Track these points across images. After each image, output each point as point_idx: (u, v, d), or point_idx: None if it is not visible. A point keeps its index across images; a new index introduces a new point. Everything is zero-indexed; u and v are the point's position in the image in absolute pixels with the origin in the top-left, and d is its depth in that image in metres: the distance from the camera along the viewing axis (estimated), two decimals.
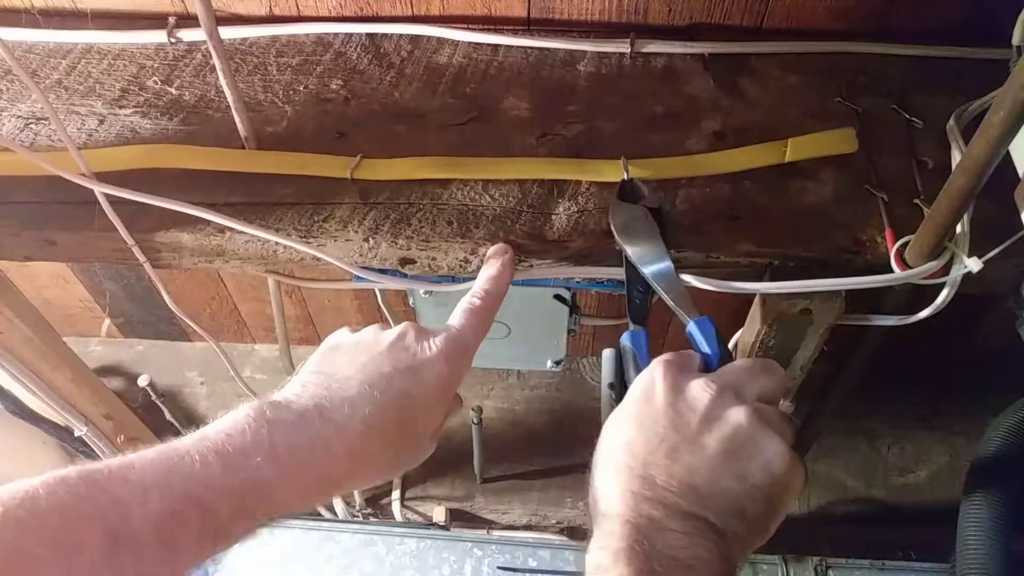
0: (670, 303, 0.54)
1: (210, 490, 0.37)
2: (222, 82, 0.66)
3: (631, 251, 0.58)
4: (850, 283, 0.61)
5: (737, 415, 0.41)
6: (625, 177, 0.63)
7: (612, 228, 0.61)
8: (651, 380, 0.44)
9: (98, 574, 0.33)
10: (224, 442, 0.39)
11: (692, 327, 0.49)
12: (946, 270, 0.60)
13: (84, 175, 0.63)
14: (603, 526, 0.39)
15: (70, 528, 0.33)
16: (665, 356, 0.46)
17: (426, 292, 0.87)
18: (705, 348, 0.48)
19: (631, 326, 0.53)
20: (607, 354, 1.36)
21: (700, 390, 0.42)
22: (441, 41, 0.82)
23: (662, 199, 0.64)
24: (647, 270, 0.56)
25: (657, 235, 0.59)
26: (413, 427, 0.46)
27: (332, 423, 0.42)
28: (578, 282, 0.72)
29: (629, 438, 0.42)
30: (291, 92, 0.77)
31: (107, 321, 1.37)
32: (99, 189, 0.63)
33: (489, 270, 0.58)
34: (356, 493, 1.21)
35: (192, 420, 1.33)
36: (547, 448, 1.27)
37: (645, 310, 0.56)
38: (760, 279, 0.67)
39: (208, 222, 0.66)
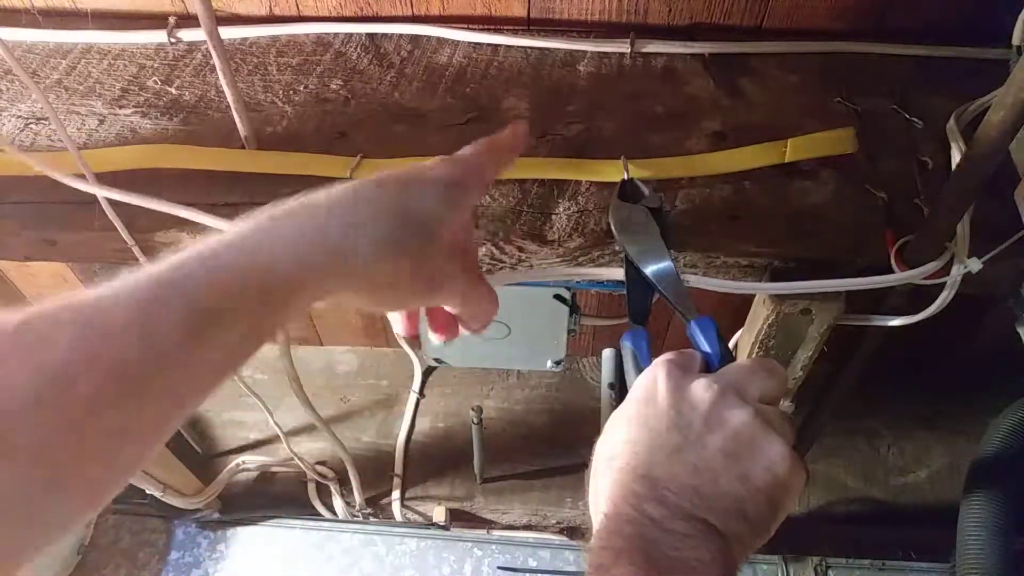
0: (671, 303, 0.53)
1: (182, 271, 0.34)
2: (222, 82, 0.66)
3: (631, 251, 0.58)
4: (850, 284, 0.61)
5: (739, 416, 0.41)
6: (625, 177, 0.63)
7: (612, 227, 0.61)
8: (653, 380, 0.43)
9: (75, 370, 0.30)
10: (196, 245, 0.36)
11: (693, 327, 0.49)
12: (946, 270, 0.60)
13: (84, 176, 0.63)
14: (605, 525, 0.39)
15: (38, 325, 0.30)
16: (667, 356, 0.45)
17: None
18: (706, 347, 0.47)
19: (631, 326, 0.52)
20: (607, 354, 1.36)
21: (702, 390, 0.42)
22: (441, 41, 0.82)
23: (662, 199, 0.64)
24: (648, 270, 0.56)
25: (657, 235, 0.58)
26: (410, 210, 0.41)
27: (317, 201, 0.40)
28: (578, 282, 0.73)
29: (631, 438, 0.42)
30: (291, 92, 0.77)
31: None
32: (101, 194, 0.63)
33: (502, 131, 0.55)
34: (356, 493, 1.21)
35: (192, 420, 1.33)
36: (547, 448, 1.28)
37: (645, 310, 0.55)
38: (760, 279, 0.67)
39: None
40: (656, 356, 0.48)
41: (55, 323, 0.30)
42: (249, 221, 0.37)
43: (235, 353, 0.35)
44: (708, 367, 0.46)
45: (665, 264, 0.56)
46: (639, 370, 0.47)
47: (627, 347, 0.50)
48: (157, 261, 0.34)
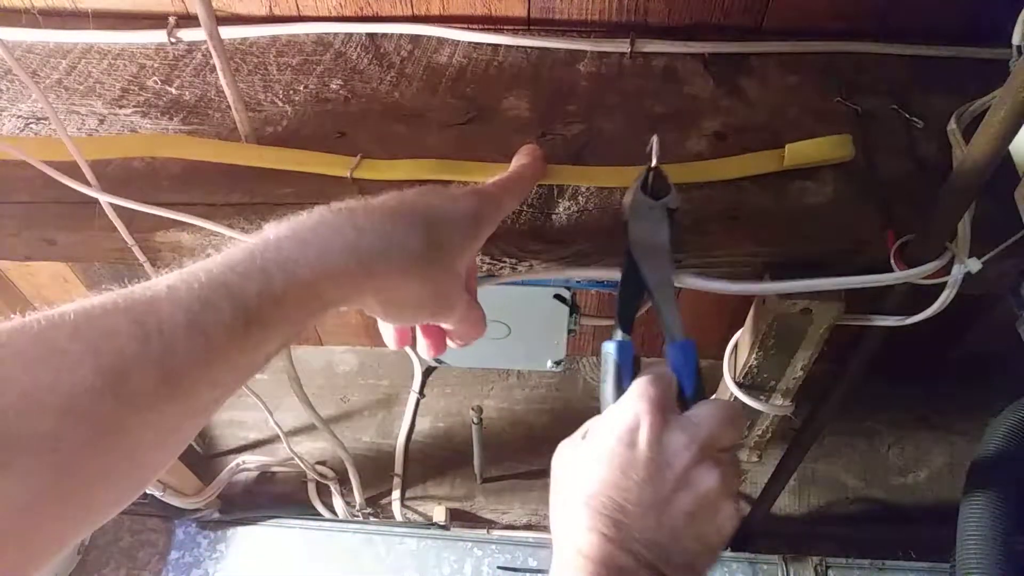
0: (660, 316, 0.51)
1: (235, 272, 0.37)
2: (222, 82, 0.66)
3: (637, 249, 0.54)
4: (850, 283, 0.61)
5: (709, 481, 0.43)
6: (653, 163, 0.55)
7: (625, 215, 0.56)
8: (636, 422, 0.44)
9: (128, 365, 0.33)
10: (242, 246, 0.39)
11: (675, 349, 0.48)
12: (946, 270, 0.60)
13: (84, 176, 0.63)
14: (569, 558, 0.42)
15: (96, 320, 0.33)
16: (649, 387, 0.45)
17: None
18: (683, 373, 0.47)
19: (617, 333, 0.50)
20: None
21: (682, 448, 0.43)
22: (441, 41, 0.82)
23: (681, 202, 0.60)
24: (647, 274, 0.53)
25: (667, 240, 0.54)
26: (439, 237, 0.45)
27: (354, 211, 0.43)
28: (578, 282, 0.72)
29: (610, 480, 0.43)
30: (291, 92, 0.77)
31: None
32: (102, 198, 0.63)
33: (520, 158, 0.60)
34: (356, 493, 1.21)
35: None
36: (547, 448, 1.26)
37: (633, 315, 0.52)
38: (760, 279, 0.67)
39: (208, 221, 0.66)
40: (638, 367, 0.50)
41: (112, 315, 0.33)
42: (288, 228, 0.40)
43: (267, 354, 0.39)
44: (681, 392, 0.48)
45: (666, 273, 0.53)
46: (619, 389, 0.47)
47: (611, 357, 0.48)
48: (211, 257, 0.37)
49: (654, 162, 0.55)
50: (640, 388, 0.45)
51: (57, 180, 0.63)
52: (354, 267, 0.40)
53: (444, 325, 0.51)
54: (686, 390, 0.46)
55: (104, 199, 0.63)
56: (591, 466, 0.44)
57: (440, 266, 0.44)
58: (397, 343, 0.53)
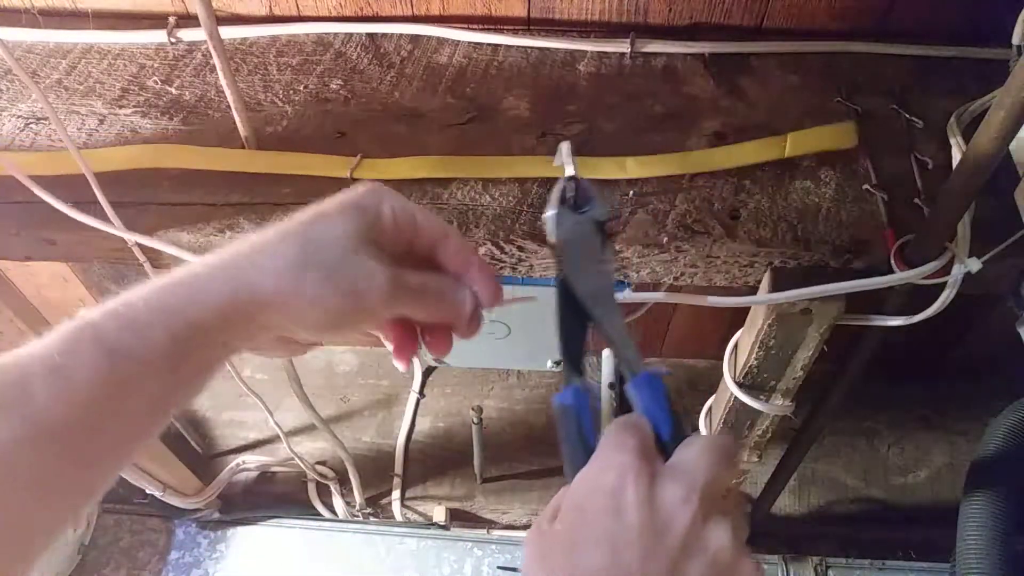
0: (614, 348, 0.42)
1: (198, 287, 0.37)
2: (222, 82, 0.66)
3: (572, 275, 0.44)
4: (850, 286, 0.61)
5: (720, 538, 0.35)
6: (569, 173, 0.46)
7: (550, 240, 0.46)
8: (617, 482, 0.35)
9: (95, 392, 0.33)
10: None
11: (639, 384, 0.39)
12: (946, 270, 0.60)
13: (84, 176, 0.63)
14: None
15: (60, 343, 0.34)
16: (624, 436, 0.37)
17: None
18: (653, 412, 0.39)
19: (569, 380, 0.41)
20: (607, 354, 1.35)
21: (678, 503, 0.35)
22: (441, 41, 0.82)
23: (614, 208, 0.53)
24: (590, 301, 0.43)
25: (607, 259, 0.45)
26: (314, 234, 0.40)
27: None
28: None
29: (593, 565, 0.34)
30: (291, 92, 0.77)
31: None
32: (128, 237, 0.63)
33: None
34: (356, 493, 1.21)
35: (192, 420, 1.33)
36: (547, 448, 1.28)
37: (582, 354, 0.43)
38: (760, 279, 0.67)
39: (208, 221, 0.66)
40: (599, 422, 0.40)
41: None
42: (194, 266, 0.38)
43: (158, 394, 0.37)
44: (657, 435, 0.39)
45: (608, 297, 0.44)
46: (586, 449, 0.37)
47: (568, 411, 0.39)
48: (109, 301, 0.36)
49: (570, 170, 0.47)
50: (613, 439, 0.37)
51: (57, 181, 0.63)
52: (234, 294, 0.37)
53: (418, 317, 0.44)
54: (662, 432, 0.38)
55: (130, 238, 0.63)
56: (572, 554, 0.35)
57: (325, 255, 0.39)
58: (395, 351, 0.47)
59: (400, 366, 0.47)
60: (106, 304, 0.36)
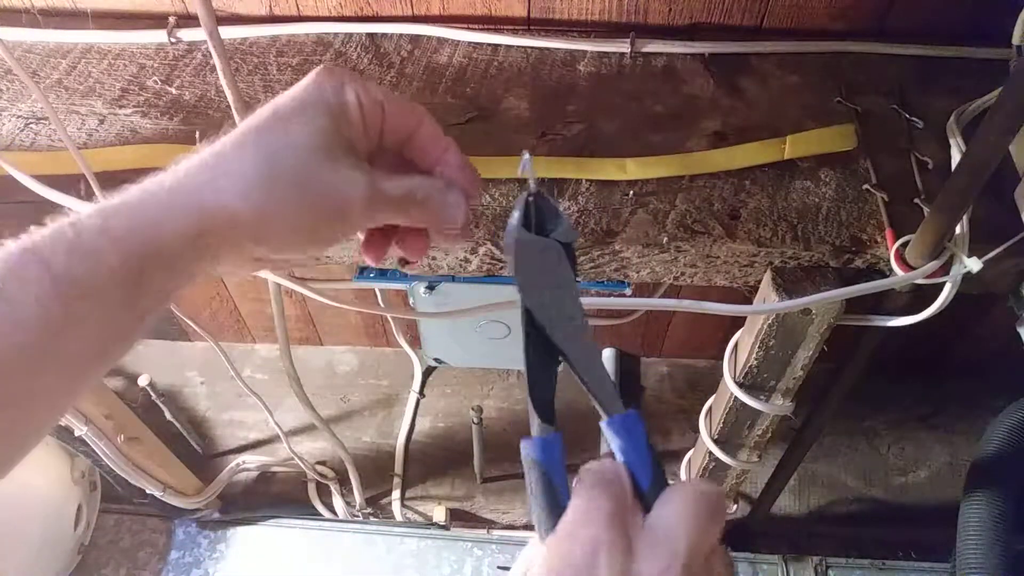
0: (586, 387, 0.37)
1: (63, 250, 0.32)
2: (222, 82, 0.66)
3: (537, 306, 0.38)
4: (850, 292, 0.61)
5: None
6: (532, 189, 0.41)
7: (512, 267, 0.40)
8: (590, 557, 0.30)
9: (39, 323, 0.30)
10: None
11: (614, 427, 0.35)
12: (946, 270, 0.60)
13: (84, 176, 0.63)
14: None
15: (2, 268, 0.31)
16: (599, 499, 0.32)
17: (426, 291, 0.87)
18: (632, 458, 0.35)
19: (536, 424, 0.36)
20: (607, 353, 1.35)
21: None
22: (441, 41, 0.82)
23: (576, 231, 0.46)
24: (558, 334, 0.38)
25: (572, 284, 0.40)
26: (278, 140, 0.36)
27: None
28: (578, 282, 0.72)
29: None
30: None
31: None
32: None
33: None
34: (356, 493, 1.21)
35: (192, 420, 1.33)
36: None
37: (553, 397, 0.38)
38: (760, 278, 0.67)
39: None
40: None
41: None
42: (147, 184, 0.35)
43: (110, 328, 0.33)
44: (635, 484, 0.34)
45: (578, 327, 0.39)
46: (555, 508, 0.33)
47: (536, 465, 0.34)
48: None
49: (532, 186, 0.41)
50: (586, 504, 0.32)
51: (57, 181, 0.63)
52: (192, 214, 0.33)
53: (393, 222, 0.40)
54: (641, 481, 0.34)
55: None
56: None
57: (297, 168, 0.35)
58: (369, 253, 0.43)
59: (370, 261, 0.44)
60: (56, 225, 0.32)
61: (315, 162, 0.35)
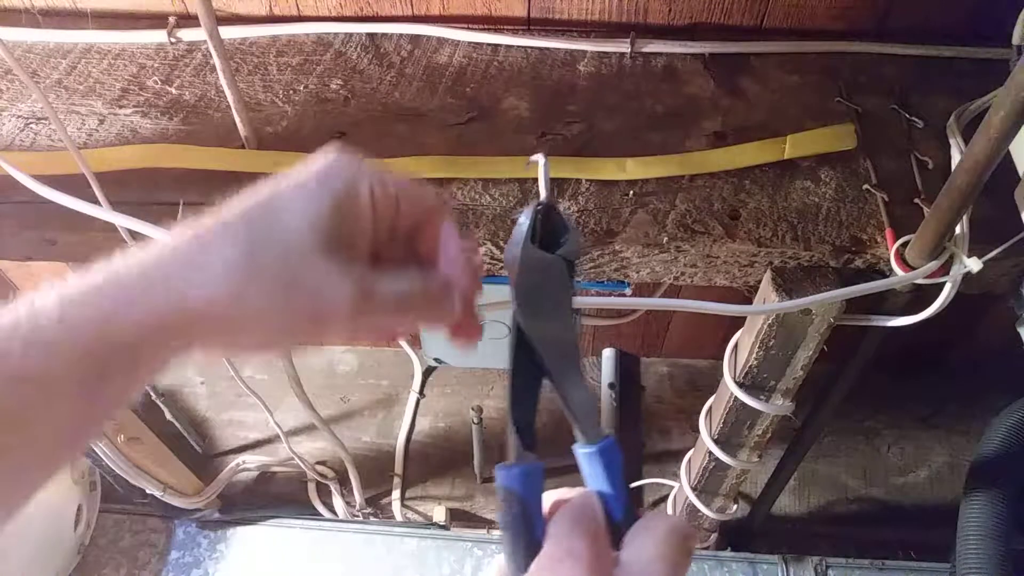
0: (568, 411, 0.36)
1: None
2: (222, 82, 0.66)
3: (532, 325, 0.36)
4: (850, 292, 0.61)
5: None
6: (544, 199, 0.38)
7: (513, 280, 0.37)
8: None
9: (4, 415, 0.28)
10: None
11: (593, 457, 0.34)
12: (946, 270, 0.60)
13: (84, 176, 0.63)
14: None
15: None
16: (576, 540, 0.31)
17: None
18: (607, 490, 0.34)
19: (517, 451, 0.34)
20: (607, 354, 1.35)
21: None
22: (441, 41, 0.82)
23: (582, 245, 0.44)
24: (549, 355, 0.36)
25: (569, 305, 0.37)
26: (268, 232, 0.33)
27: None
28: (578, 282, 0.72)
29: None
30: (291, 92, 0.77)
31: None
32: (117, 221, 0.63)
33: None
34: (356, 493, 1.21)
35: (192, 420, 1.33)
36: (547, 448, 1.27)
37: (533, 418, 0.36)
38: (760, 278, 0.67)
39: None
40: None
41: None
42: (117, 264, 0.31)
43: (70, 424, 0.31)
44: (608, 516, 0.34)
45: (570, 350, 0.36)
46: (530, 545, 0.31)
47: (514, 498, 0.32)
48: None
49: (543, 195, 0.39)
50: (565, 545, 0.31)
51: (57, 181, 0.63)
52: (162, 306, 0.31)
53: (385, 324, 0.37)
54: (614, 512, 0.33)
55: (119, 222, 0.63)
56: None
57: (279, 261, 0.32)
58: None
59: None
60: (14, 311, 0.29)
61: (304, 261, 0.32)
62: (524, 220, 0.37)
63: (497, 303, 0.68)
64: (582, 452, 0.34)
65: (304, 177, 0.34)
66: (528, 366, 0.36)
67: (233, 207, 0.33)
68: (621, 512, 0.33)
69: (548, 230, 0.38)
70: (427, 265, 0.37)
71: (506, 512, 0.32)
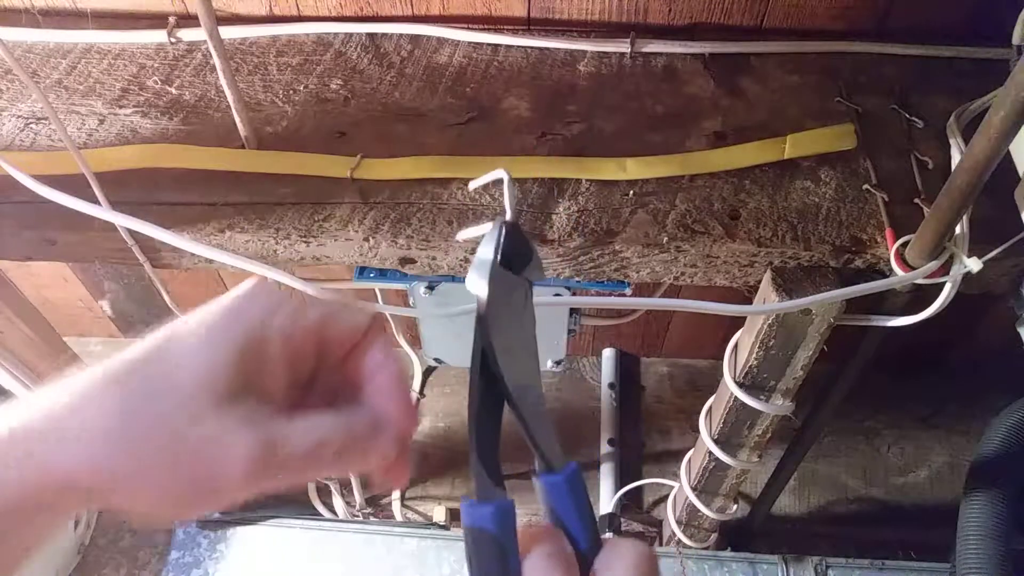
0: (530, 439, 0.34)
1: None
2: (222, 82, 0.66)
3: (500, 354, 0.34)
4: (850, 292, 0.61)
5: None
6: (509, 217, 0.37)
7: (480, 308, 0.34)
8: None
9: None
10: None
11: (556, 487, 0.33)
12: (946, 270, 0.60)
13: (84, 176, 0.63)
14: None
15: None
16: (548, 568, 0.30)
17: (426, 291, 0.87)
18: (573, 521, 0.33)
19: (486, 493, 0.32)
20: (607, 354, 1.35)
21: None
22: (441, 41, 0.82)
23: (542, 266, 0.41)
24: (512, 382, 0.34)
25: (532, 328, 0.36)
26: (152, 385, 0.29)
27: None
28: (578, 282, 0.72)
29: None
30: (291, 92, 0.77)
31: (105, 303, 1.36)
32: (117, 221, 0.63)
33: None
34: (356, 493, 1.21)
35: None
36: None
37: (497, 449, 0.34)
38: (760, 278, 0.67)
39: (207, 221, 0.66)
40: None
41: None
42: None
43: None
44: (574, 545, 0.33)
45: (533, 377, 0.35)
46: None
47: (484, 539, 0.31)
48: None
49: (508, 213, 0.38)
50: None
51: (57, 181, 0.63)
52: (31, 472, 0.27)
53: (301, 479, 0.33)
54: (580, 542, 0.32)
55: (119, 222, 0.63)
56: None
57: (163, 420, 0.28)
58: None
59: None
60: None
61: (193, 421, 0.29)
62: (489, 241, 0.35)
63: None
64: (547, 480, 0.33)
65: (208, 319, 0.31)
66: (491, 396, 0.34)
67: (122, 358, 0.30)
68: (587, 541, 0.32)
69: (512, 249, 0.36)
70: (362, 397, 0.33)
71: (479, 554, 0.31)
